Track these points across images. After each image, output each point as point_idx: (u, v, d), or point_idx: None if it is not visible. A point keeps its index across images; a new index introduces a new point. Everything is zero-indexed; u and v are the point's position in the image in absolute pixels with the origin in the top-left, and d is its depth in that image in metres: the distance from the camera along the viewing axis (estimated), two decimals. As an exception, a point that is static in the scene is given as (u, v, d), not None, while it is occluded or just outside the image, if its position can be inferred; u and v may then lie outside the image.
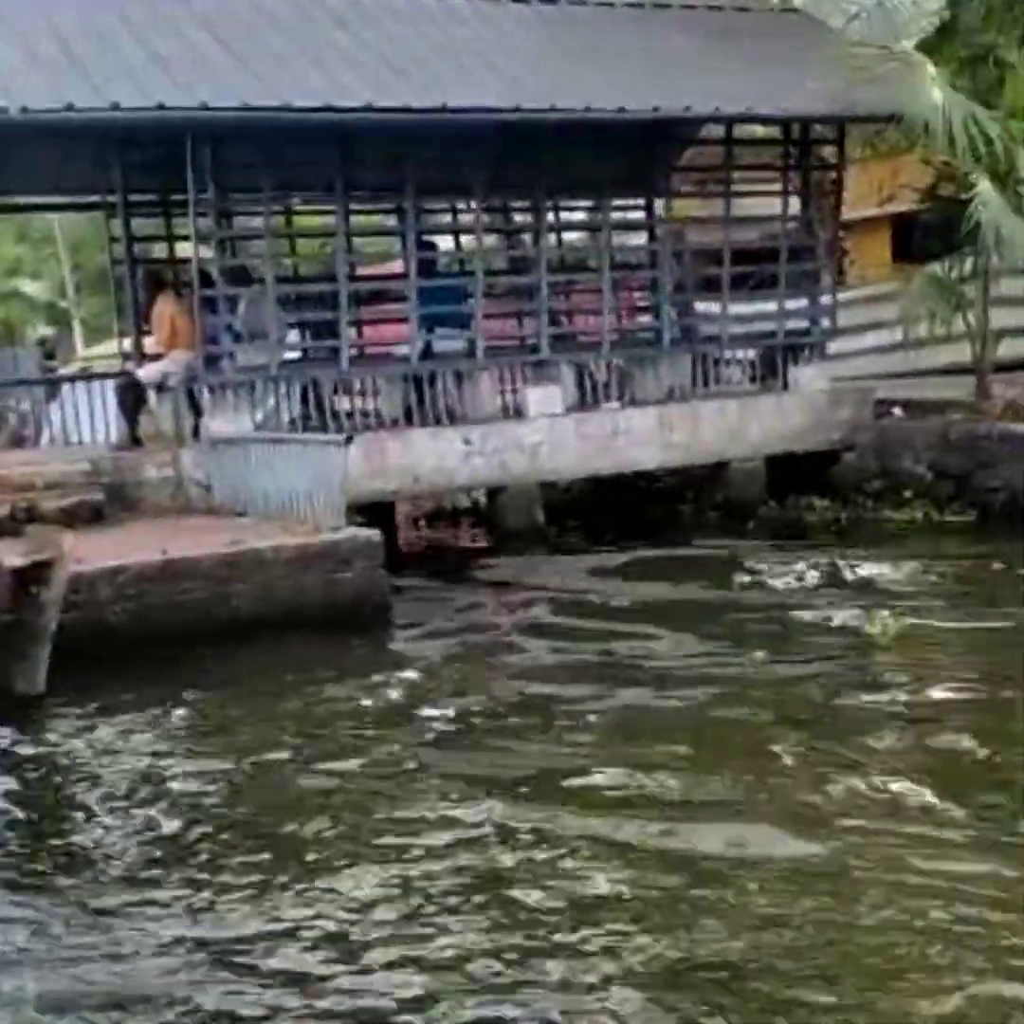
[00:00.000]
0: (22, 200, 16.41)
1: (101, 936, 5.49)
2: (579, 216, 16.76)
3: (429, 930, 5.42)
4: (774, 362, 14.90)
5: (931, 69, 13.78)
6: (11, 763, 7.68)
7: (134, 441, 12.78)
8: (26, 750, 7.89)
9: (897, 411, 14.83)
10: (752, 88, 13.71)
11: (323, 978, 5.09)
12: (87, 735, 8.13)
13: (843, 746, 7.35)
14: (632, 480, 14.30)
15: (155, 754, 7.79)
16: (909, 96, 13.49)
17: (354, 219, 14.92)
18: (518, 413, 13.67)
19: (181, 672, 9.05)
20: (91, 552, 9.40)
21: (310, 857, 6.20)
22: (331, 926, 5.50)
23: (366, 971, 5.14)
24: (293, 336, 14.10)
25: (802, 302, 15.06)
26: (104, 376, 14.92)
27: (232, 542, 10.07)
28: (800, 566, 11.79)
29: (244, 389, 12.55)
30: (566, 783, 6.97)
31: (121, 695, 8.70)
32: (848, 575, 11.45)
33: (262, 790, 7.15)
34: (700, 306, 15.28)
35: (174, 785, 7.25)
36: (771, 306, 14.86)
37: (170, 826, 6.67)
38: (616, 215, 15.17)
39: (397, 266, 14.81)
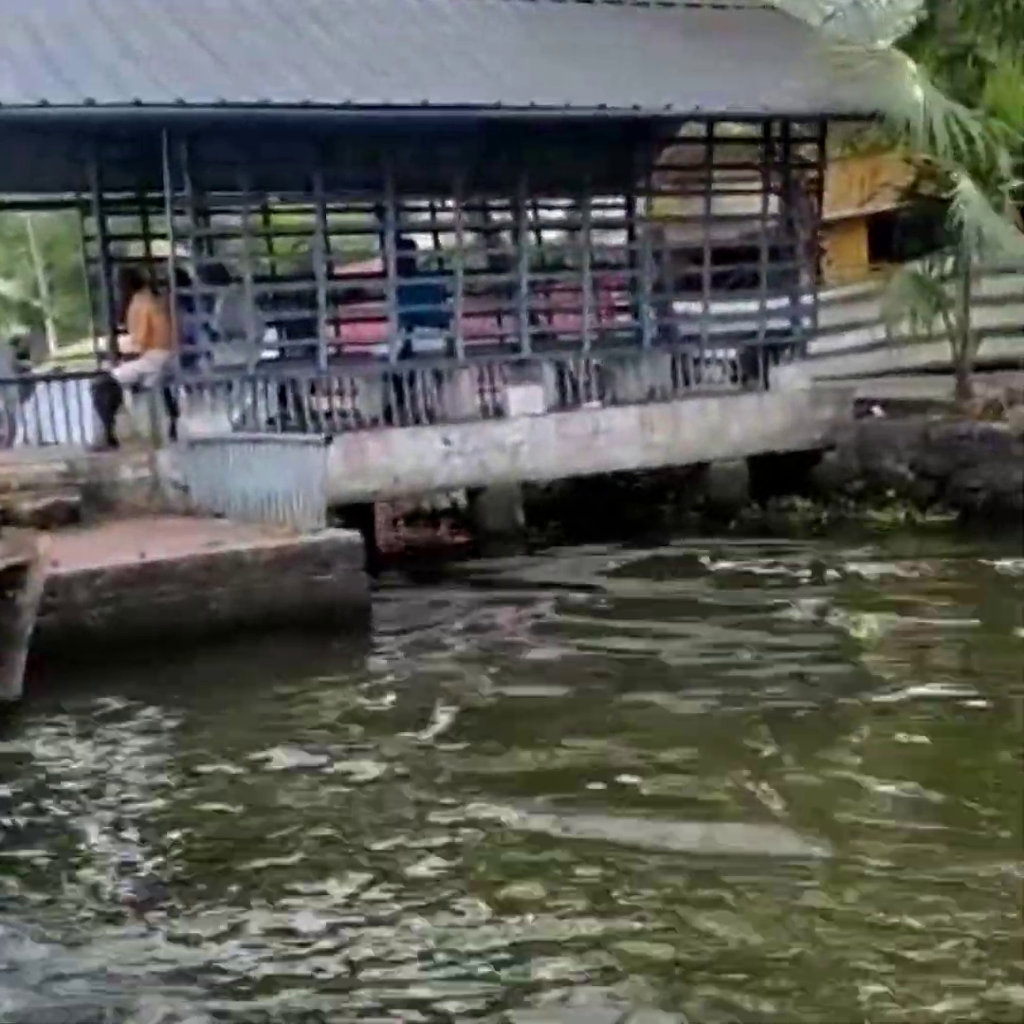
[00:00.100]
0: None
1: (73, 953, 5.36)
2: (558, 215, 16.69)
3: (424, 930, 5.34)
4: (755, 362, 14.87)
5: (911, 67, 13.76)
6: (-15, 770, 7.56)
7: (110, 441, 12.66)
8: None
9: (878, 411, 14.82)
10: (733, 86, 13.68)
11: (309, 979, 5.02)
12: (63, 741, 8.01)
13: (835, 745, 7.33)
14: (613, 480, 14.26)
15: (133, 760, 7.68)
16: (890, 94, 13.46)
17: (333, 217, 14.84)
18: (498, 413, 13.60)
19: (159, 676, 8.95)
20: (68, 554, 9.29)
21: (291, 861, 6.09)
22: (317, 929, 5.41)
23: (358, 979, 5.05)
24: (271, 335, 13.99)
25: (783, 301, 15.03)
26: (79, 376, 14.79)
27: (210, 544, 9.96)
28: (782, 566, 11.78)
29: (221, 389, 12.45)
30: (554, 783, 6.92)
31: (98, 699, 8.59)
32: (831, 575, 11.43)
33: (243, 795, 7.04)
34: (680, 305, 15.23)
35: (152, 792, 7.14)
36: (752, 305, 14.83)
37: (147, 835, 6.55)
38: (596, 214, 15.11)
39: (376, 264, 14.73)
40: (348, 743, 7.84)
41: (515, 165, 13.59)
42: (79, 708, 8.47)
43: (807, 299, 15.14)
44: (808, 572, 11.54)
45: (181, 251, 12.91)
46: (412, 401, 13.28)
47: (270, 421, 12.65)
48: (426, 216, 16.63)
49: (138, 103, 11.11)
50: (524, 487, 13.71)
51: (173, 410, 12.57)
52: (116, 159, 12.98)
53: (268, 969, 5.14)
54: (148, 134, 11.63)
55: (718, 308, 14.68)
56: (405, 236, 14.55)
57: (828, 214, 16.14)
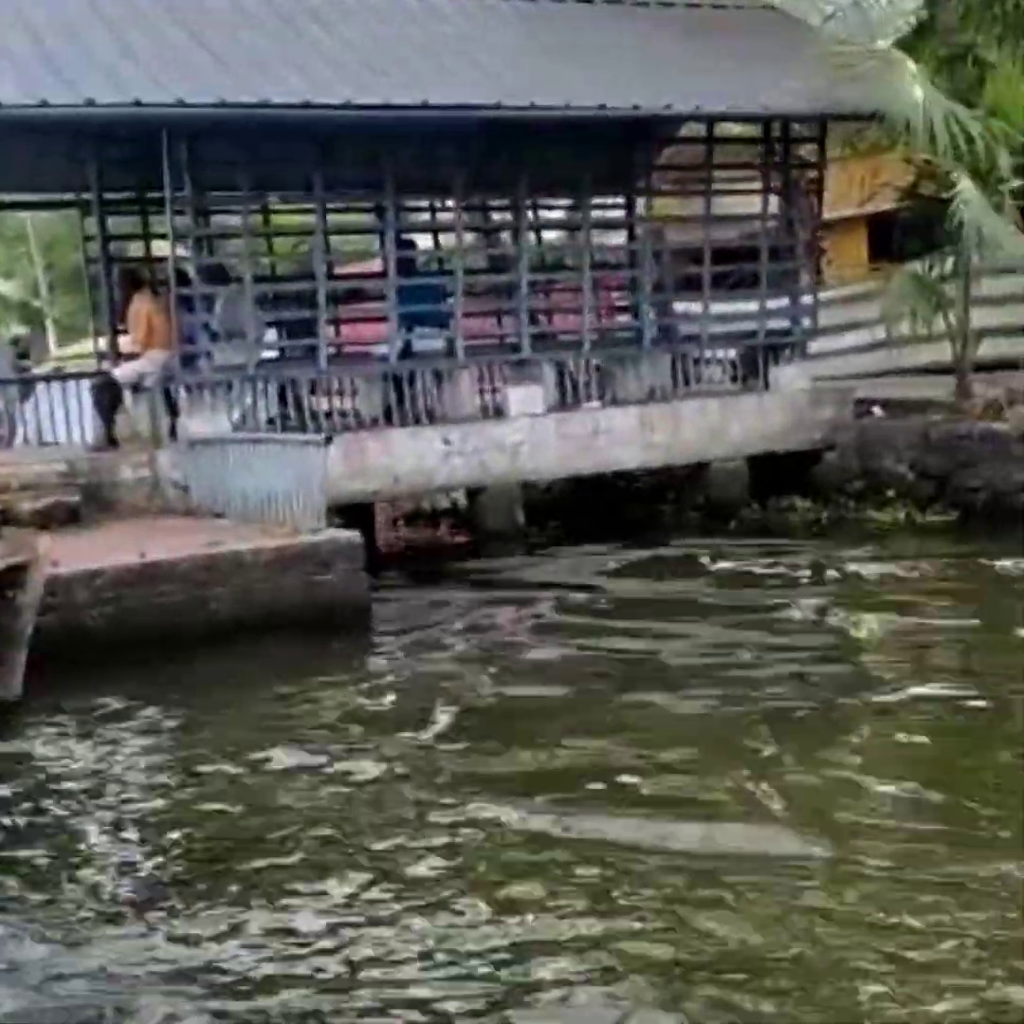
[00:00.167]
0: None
1: (73, 953, 5.36)
2: (558, 215, 16.69)
3: (424, 930, 5.34)
4: (755, 362, 14.87)
5: (911, 67, 13.76)
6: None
7: (110, 441, 12.66)
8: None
9: (878, 411, 14.81)
10: (733, 86, 13.68)
11: (309, 979, 5.02)
12: (63, 741, 8.01)
13: (835, 745, 7.32)
14: (613, 480, 14.25)
15: (133, 760, 7.67)
16: (890, 94, 13.46)
17: (333, 217, 14.83)
18: (498, 413, 13.59)
19: (159, 676, 8.94)
20: (68, 554, 9.28)
21: (291, 861, 6.09)
22: (317, 929, 5.41)
23: (358, 979, 5.05)
24: (271, 335, 13.98)
25: (783, 301, 15.02)
26: (79, 376, 14.79)
27: (210, 544, 9.95)
28: (782, 566, 11.77)
29: (221, 389, 12.44)
30: (554, 783, 6.91)
31: (98, 699, 8.59)
32: (831, 575, 11.42)
33: (243, 795, 7.04)
34: (680, 305, 15.23)
35: (152, 792, 7.14)
36: (752, 305, 14.82)
37: (147, 835, 6.55)
38: (596, 214, 15.10)
39: (376, 264, 14.72)
40: (348, 743, 7.83)
41: (515, 165, 13.58)
42: (79, 708, 8.46)
43: (807, 299, 15.13)
44: (808, 572, 11.54)
45: (181, 251, 12.91)
46: (412, 401, 13.28)
47: (270, 421, 12.64)
48: (426, 216, 16.62)
49: (138, 103, 11.11)
50: (524, 487, 13.70)
51: (173, 410, 12.56)
52: (116, 159, 12.97)
53: (268, 969, 5.14)
54: (148, 134, 11.62)
55: (718, 308, 14.68)
56: (405, 236, 14.55)
57: (828, 214, 16.14)
